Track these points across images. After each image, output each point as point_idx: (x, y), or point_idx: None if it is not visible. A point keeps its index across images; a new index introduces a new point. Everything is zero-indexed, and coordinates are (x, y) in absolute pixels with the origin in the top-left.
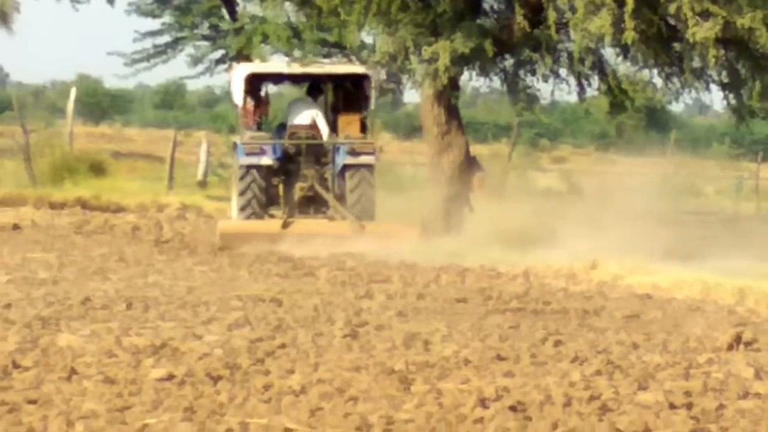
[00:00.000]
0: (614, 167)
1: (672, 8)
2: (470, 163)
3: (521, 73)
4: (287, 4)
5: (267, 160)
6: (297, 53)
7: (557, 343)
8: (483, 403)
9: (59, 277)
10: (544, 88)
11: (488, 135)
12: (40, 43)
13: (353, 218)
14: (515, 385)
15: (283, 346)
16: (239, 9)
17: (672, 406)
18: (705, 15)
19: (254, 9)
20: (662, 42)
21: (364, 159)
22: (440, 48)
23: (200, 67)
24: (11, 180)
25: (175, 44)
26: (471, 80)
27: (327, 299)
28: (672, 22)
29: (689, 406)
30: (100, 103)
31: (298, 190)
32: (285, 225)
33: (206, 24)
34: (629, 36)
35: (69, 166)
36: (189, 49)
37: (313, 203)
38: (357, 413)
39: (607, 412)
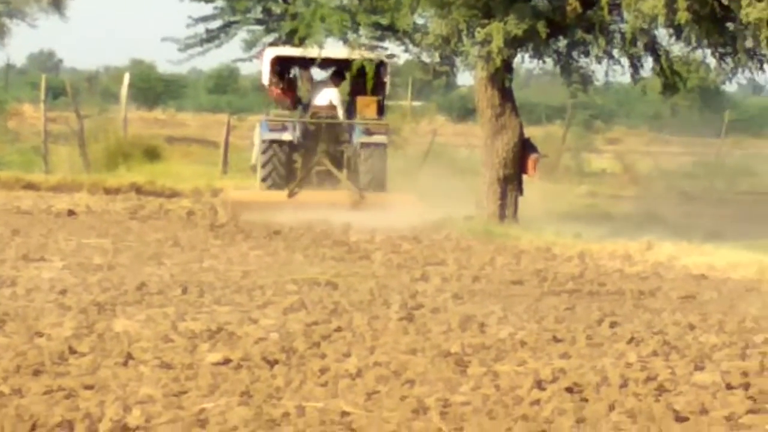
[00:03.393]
0: (668, 147)
1: None
2: (524, 144)
3: (574, 54)
4: None
5: (288, 136)
6: (351, 36)
7: (613, 325)
8: (539, 384)
9: (114, 262)
10: (597, 69)
11: (542, 116)
12: (93, 29)
13: (355, 189)
14: (571, 367)
15: (339, 329)
16: None
17: (729, 387)
18: None
19: None
20: (715, 22)
21: (377, 138)
22: (493, 30)
23: (253, 51)
24: (66, 166)
25: (227, 28)
26: (524, 62)
27: (382, 282)
28: (725, 2)
29: (746, 387)
30: (153, 88)
31: (313, 164)
32: (290, 195)
33: (259, 8)
34: (682, 16)
35: (123, 152)
36: (242, 34)
37: (329, 177)
38: (413, 396)
39: (664, 392)
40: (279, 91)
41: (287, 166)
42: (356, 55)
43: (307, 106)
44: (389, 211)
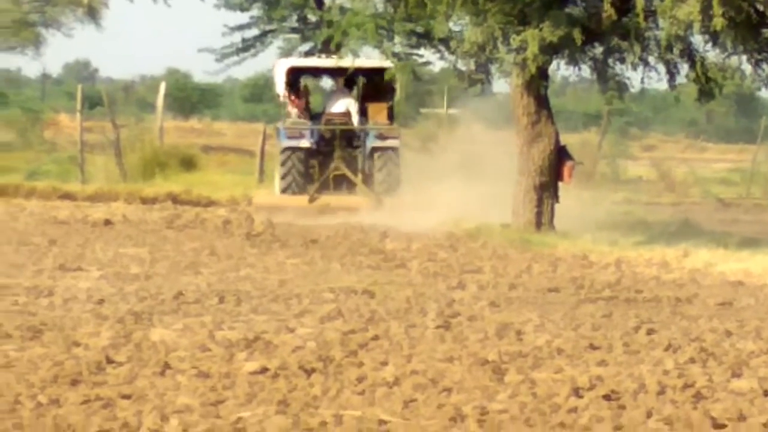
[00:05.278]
0: (704, 154)
1: None
2: (560, 152)
3: (610, 61)
4: None
5: (306, 143)
6: (385, 44)
7: (650, 332)
8: (577, 392)
9: (151, 271)
10: (633, 76)
11: (578, 124)
12: (129, 39)
13: (373, 194)
14: (609, 374)
15: (376, 337)
16: (327, 1)
17: (766, 393)
18: None
19: (343, 1)
20: (751, 28)
21: (390, 142)
22: (529, 37)
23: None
24: (102, 175)
25: (263, 37)
26: (560, 69)
27: (419, 290)
28: (761, 8)
29: None
30: (189, 98)
31: (331, 170)
32: (311, 200)
33: (295, 16)
34: (718, 23)
35: (159, 161)
36: (278, 42)
37: (345, 181)
38: (451, 404)
39: (701, 399)
40: (294, 100)
41: (305, 173)
42: (371, 63)
43: (320, 114)
44: (407, 214)
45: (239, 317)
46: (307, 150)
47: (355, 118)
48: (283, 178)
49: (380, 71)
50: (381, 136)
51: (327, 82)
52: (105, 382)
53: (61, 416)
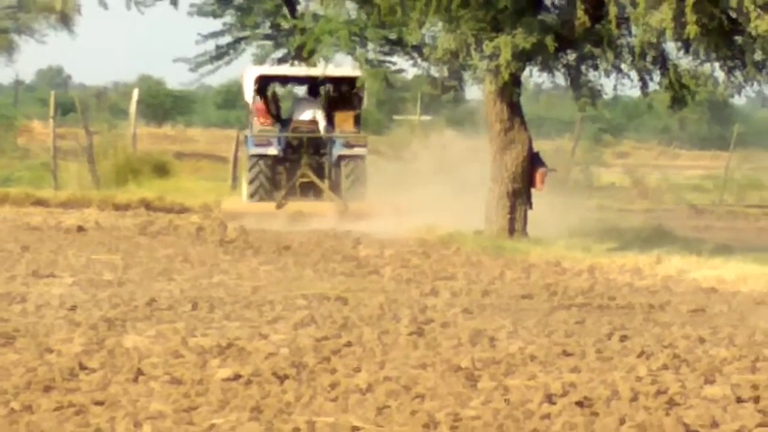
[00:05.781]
0: (677, 161)
1: (733, 1)
2: (533, 159)
3: (583, 68)
4: (348, 2)
5: (273, 151)
6: (358, 51)
7: (623, 338)
8: (550, 398)
9: (124, 278)
10: (606, 83)
11: (551, 131)
12: (102, 45)
13: (339, 200)
14: (582, 381)
15: (349, 344)
16: (300, 8)
17: (739, 400)
18: (766, 8)
19: (316, 7)
20: (724, 36)
21: (357, 150)
22: (502, 43)
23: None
24: (75, 182)
25: (237, 44)
26: (533, 76)
27: (392, 297)
28: (733, 15)
29: (756, 400)
30: (162, 104)
31: (298, 177)
32: (279, 206)
33: (268, 23)
34: (691, 30)
35: (132, 168)
36: (251, 49)
37: (312, 188)
38: (424, 411)
39: (674, 406)
40: (261, 107)
41: (272, 179)
42: (338, 72)
43: (287, 122)
44: (373, 220)
45: (212, 324)
46: (274, 157)
47: (322, 126)
48: (250, 184)
49: (347, 80)
50: (348, 144)
51: (295, 90)
52: (78, 388)
53: (34, 423)
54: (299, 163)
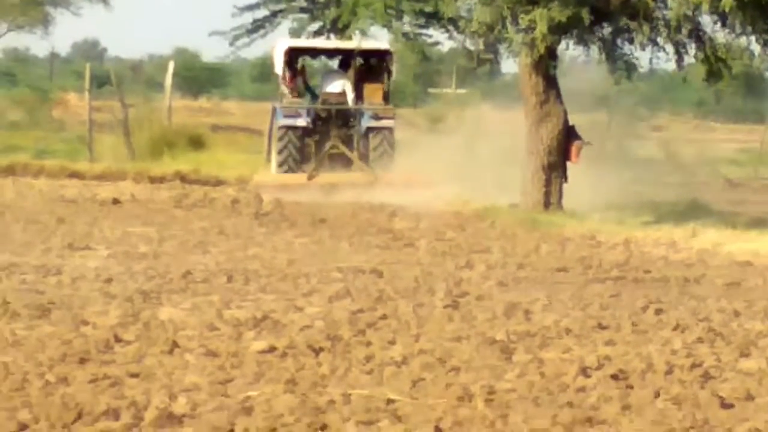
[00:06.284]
0: (712, 134)
1: None
2: (568, 132)
3: (619, 41)
4: None
5: (302, 122)
6: (394, 24)
7: (658, 312)
8: (585, 371)
9: (160, 251)
10: (642, 56)
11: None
12: (137, 18)
13: (369, 170)
14: (617, 354)
15: (384, 317)
16: None
17: None
18: None
19: None
20: (760, 9)
21: (385, 122)
22: (537, 16)
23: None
24: (111, 155)
25: (273, 17)
26: (568, 49)
27: (427, 270)
28: None
29: None
30: (198, 77)
31: (327, 148)
32: (310, 177)
33: None
34: (727, 3)
35: (168, 140)
36: (287, 22)
37: (340, 159)
38: (459, 383)
39: (709, 379)
40: (291, 79)
41: (301, 151)
42: (368, 45)
43: (316, 94)
44: (406, 190)
45: (247, 296)
46: (303, 129)
47: (350, 99)
48: (279, 154)
49: (376, 53)
50: (376, 116)
51: (326, 63)
52: (113, 360)
53: (69, 395)
54: (328, 135)
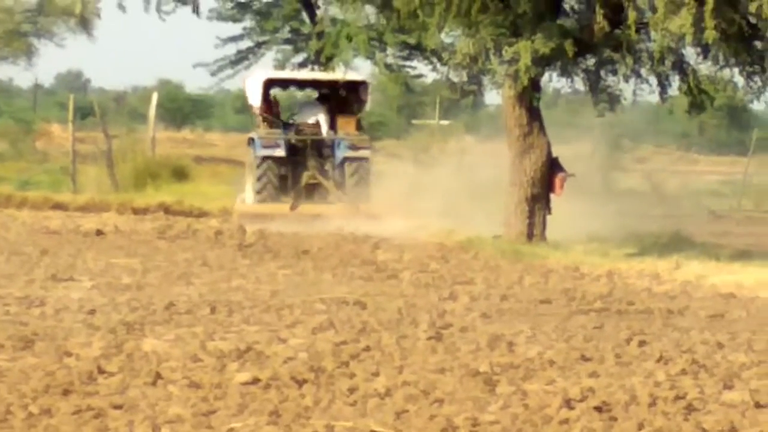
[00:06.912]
0: (696, 166)
1: (753, 6)
2: (552, 164)
3: (602, 73)
4: (367, 6)
5: (280, 152)
6: (377, 56)
7: (642, 343)
8: (568, 403)
9: (143, 282)
10: (625, 88)
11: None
12: (121, 49)
13: (349, 200)
14: (600, 386)
15: (367, 348)
16: (319, 12)
17: (758, 406)
18: None
19: (335, 12)
20: (743, 41)
21: (362, 153)
22: (521, 48)
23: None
24: (94, 186)
25: (256, 49)
26: (552, 81)
27: (411, 301)
28: (753, 20)
29: None
30: (181, 109)
31: (305, 178)
32: (292, 208)
33: (287, 28)
34: (710, 35)
35: (151, 172)
36: (271, 54)
37: (316, 190)
38: (442, 415)
39: (693, 411)
40: (266, 110)
41: (278, 181)
42: (339, 76)
43: (289, 125)
44: (386, 222)
45: (231, 328)
46: (280, 159)
47: (324, 129)
48: (258, 182)
49: (351, 84)
50: (353, 147)
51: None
52: (96, 392)
53: (53, 426)
54: (304, 165)
